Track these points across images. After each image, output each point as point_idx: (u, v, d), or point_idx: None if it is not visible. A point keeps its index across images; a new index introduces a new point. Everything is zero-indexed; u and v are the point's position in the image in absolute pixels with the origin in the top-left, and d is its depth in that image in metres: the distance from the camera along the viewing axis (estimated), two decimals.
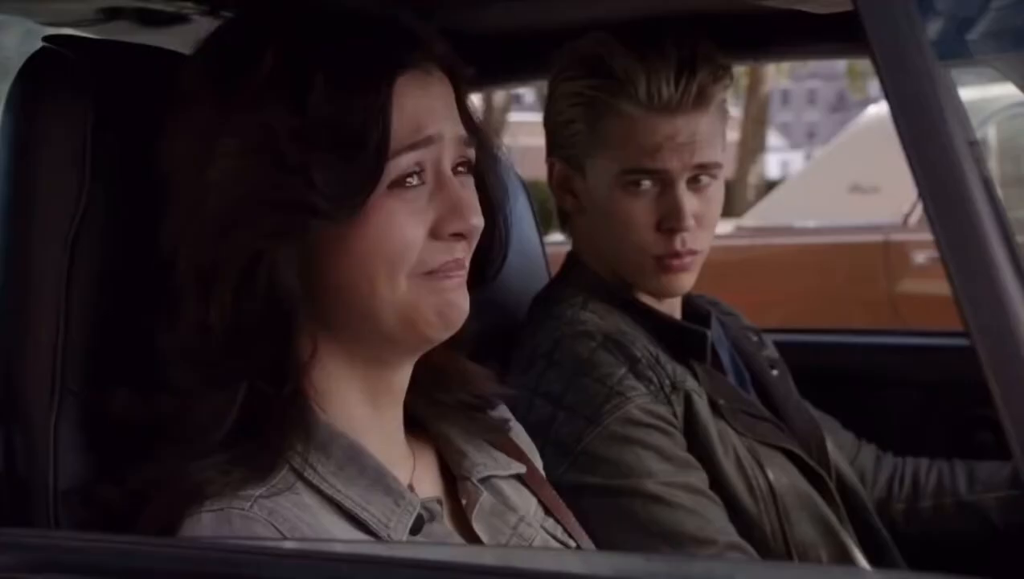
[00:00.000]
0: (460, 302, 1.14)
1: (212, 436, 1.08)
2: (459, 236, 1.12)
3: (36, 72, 1.25)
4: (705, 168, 1.61)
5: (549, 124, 1.69)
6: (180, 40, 1.54)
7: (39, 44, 1.26)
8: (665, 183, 1.59)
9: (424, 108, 1.12)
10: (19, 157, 1.23)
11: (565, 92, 1.64)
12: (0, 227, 1.23)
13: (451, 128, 1.14)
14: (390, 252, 1.10)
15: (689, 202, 1.59)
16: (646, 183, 1.59)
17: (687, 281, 1.64)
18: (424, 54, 1.13)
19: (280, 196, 1.07)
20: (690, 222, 1.59)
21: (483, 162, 1.19)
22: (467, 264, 1.15)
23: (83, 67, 1.23)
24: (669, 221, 1.60)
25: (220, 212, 1.08)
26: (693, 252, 1.62)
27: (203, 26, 1.59)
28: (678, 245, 1.60)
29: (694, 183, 1.61)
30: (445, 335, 1.15)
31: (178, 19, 1.58)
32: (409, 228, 1.10)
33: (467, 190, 1.14)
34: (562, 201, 1.71)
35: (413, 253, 1.10)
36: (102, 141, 1.21)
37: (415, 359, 1.19)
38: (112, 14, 1.58)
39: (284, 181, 1.07)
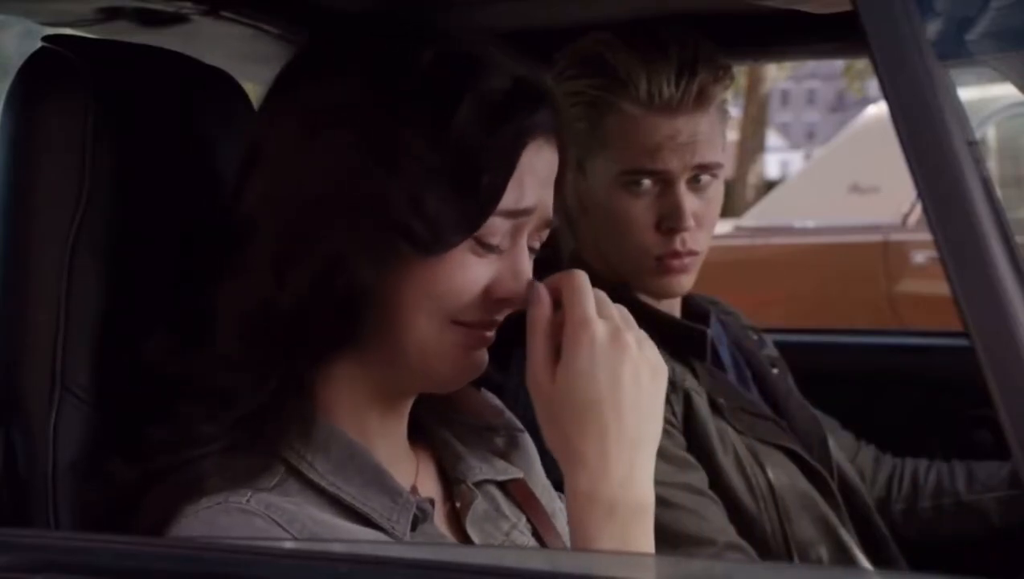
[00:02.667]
0: (479, 362, 1.15)
1: (239, 405, 1.08)
2: (507, 301, 1.12)
3: (35, 72, 1.25)
4: (705, 168, 1.60)
5: None
6: (180, 40, 1.54)
7: (38, 44, 1.26)
8: (665, 183, 1.59)
9: (532, 175, 1.11)
10: (18, 157, 1.23)
11: (566, 92, 1.63)
12: (0, 227, 1.23)
13: (545, 204, 1.14)
14: (447, 296, 1.09)
15: (689, 202, 1.59)
16: (646, 183, 1.59)
17: (687, 282, 1.64)
18: (552, 121, 1.13)
19: (386, 213, 1.06)
20: (690, 222, 1.59)
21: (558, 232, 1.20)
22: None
23: (82, 67, 1.23)
24: (669, 221, 1.59)
25: (316, 205, 1.07)
26: (693, 252, 1.61)
27: (202, 26, 1.60)
28: (678, 245, 1.60)
29: (694, 183, 1.60)
30: (454, 387, 1.17)
31: (177, 19, 1.58)
32: (475, 281, 1.10)
33: (529, 261, 1.15)
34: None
35: (464, 303, 1.10)
36: (102, 141, 1.21)
37: (423, 391, 1.19)
38: (111, 14, 1.58)
39: (395, 199, 1.06)
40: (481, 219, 1.08)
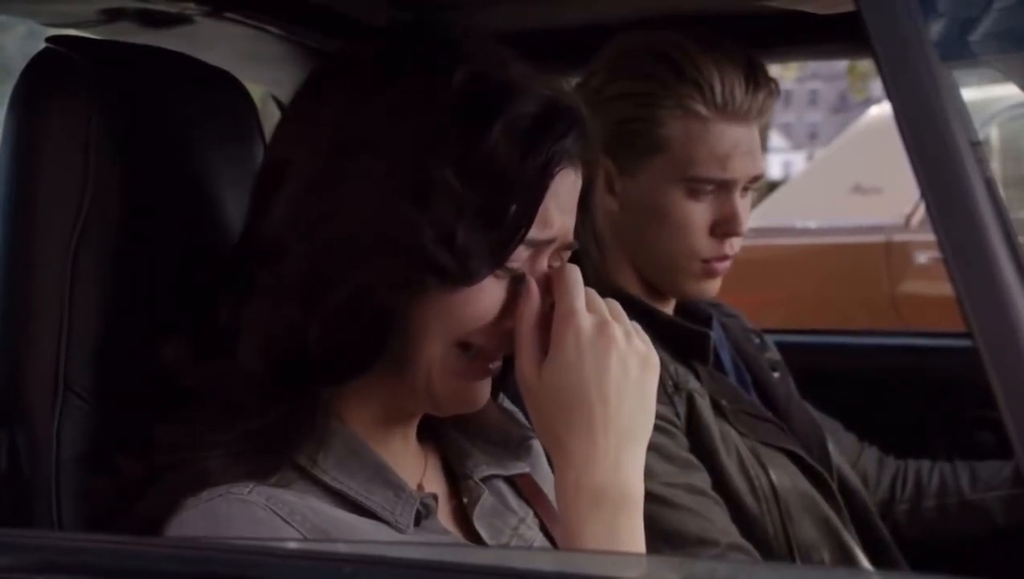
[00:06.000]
0: (480, 394, 1.15)
1: (253, 419, 1.07)
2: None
3: (39, 73, 1.25)
4: (757, 179, 1.62)
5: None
6: (183, 41, 1.55)
7: (42, 45, 1.27)
8: (724, 189, 1.60)
9: (556, 203, 1.10)
10: (22, 158, 1.23)
11: (623, 91, 1.60)
12: (3, 227, 1.23)
13: (566, 229, 1.13)
14: (462, 322, 1.09)
15: (743, 208, 1.60)
16: (709, 188, 1.59)
17: (719, 284, 1.65)
18: (580, 145, 1.11)
19: (416, 248, 1.05)
20: (745, 227, 1.60)
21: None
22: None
23: (86, 68, 1.23)
24: (726, 226, 1.60)
25: (347, 237, 1.06)
26: (734, 256, 1.63)
27: (205, 27, 1.60)
28: (728, 249, 1.62)
29: (742, 190, 1.62)
30: (449, 413, 1.17)
31: (181, 20, 1.58)
32: (493, 306, 1.10)
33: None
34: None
35: (477, 327, 1.10)
36: (105, 141, 1.21)
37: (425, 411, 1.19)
38: (115, 15, 1.58)
39: (425, 234, 1.05)
40: (508, 251, 1.08)
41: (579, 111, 1.12)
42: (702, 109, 1.56)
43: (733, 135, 1.57)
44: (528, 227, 1.08)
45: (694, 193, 1.59)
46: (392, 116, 1.08)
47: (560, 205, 1.11)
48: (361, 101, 1.09)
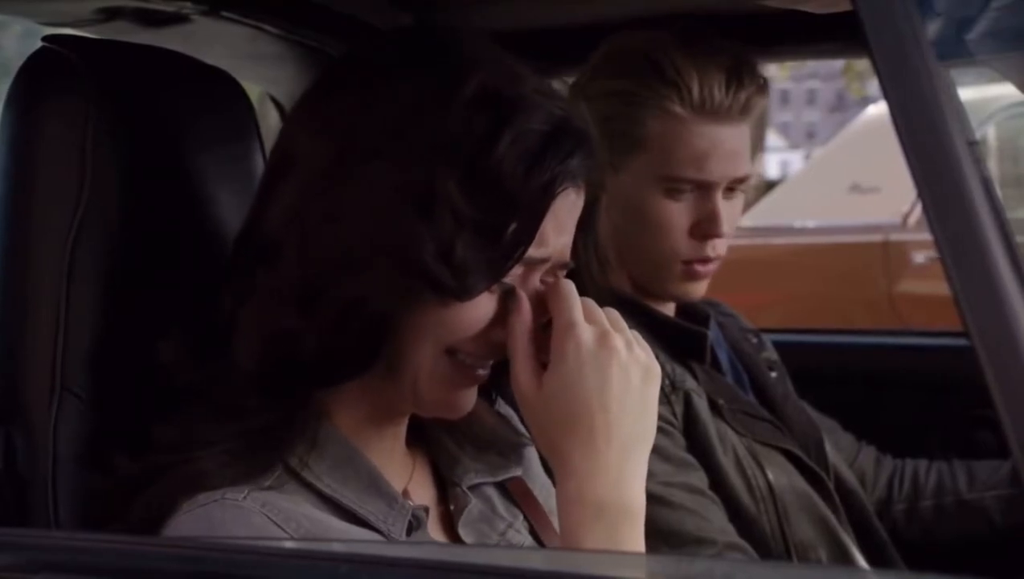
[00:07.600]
0: (465, 402, 1.15)
1: (249, 419, 1.08)
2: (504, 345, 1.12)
3: (36, 72, 1.25)
4: (741, 181, 1.61)
5: None
6: (180, 40, 1.55)
7: (39, 44, 1.26)
8: (704, 189, 1.59)
9: (555, 223, 1.10)
10: (18, 157, 1.23)
11: (607, 89, 1.60)
12: (0, 227, 1.23)
13: (562, 250, 1.13)
14: (453, 331, 1.09)
15: (724, 209, 1.60)
16: (686, 188, 1.59)
17: (704, 287, 1.65)
18: (585, 166, 1.11)
19: (415, 260, 1.04)
20: (726, 229, 1.60)
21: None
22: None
23: (82, 67, 1.23)
24: (705, 227, 1.59)
25: (345, 244, 1.06)
26: (718, 258, 1.62)
27: (202, 26, 1.60)
28: (709, 251, 1.60)
29: (726, 191, 1.61)
30: (433, 416, 1.17)
31: (177, 19, 1.58)
32: (481, 319, 1.09)
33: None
34: None
35: (467, 337, 1.10)
36: (101, 141, 1.21)
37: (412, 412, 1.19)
38: (111, 14, 1.58)
39: (425, 247, 1.04)
40: (505, 269, 1.08)
41: (588, 132, 1.11)
42: (679, 109, 1.56)
43: (713, 135, 1.56)
44: (527, 245, 1.08)
45: (671, 193, 1.59)
46: (402, 122, 1.07)
47: (557, 226, 1.11)
48: (372, 104, 1.09)
